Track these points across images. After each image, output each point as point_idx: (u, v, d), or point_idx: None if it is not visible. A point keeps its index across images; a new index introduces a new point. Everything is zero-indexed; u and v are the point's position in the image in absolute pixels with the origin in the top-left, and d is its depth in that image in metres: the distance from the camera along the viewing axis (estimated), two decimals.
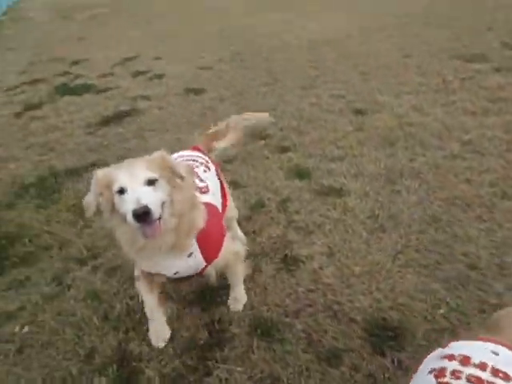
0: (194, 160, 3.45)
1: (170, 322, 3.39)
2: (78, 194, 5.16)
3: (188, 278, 3.30)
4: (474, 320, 3.11)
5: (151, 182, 2.60)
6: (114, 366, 3.11)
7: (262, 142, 5.96)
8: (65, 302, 3.77)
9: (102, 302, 3.70)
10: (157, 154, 2.82)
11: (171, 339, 3.28)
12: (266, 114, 4.26)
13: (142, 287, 3.24)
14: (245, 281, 3.62)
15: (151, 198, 2.54)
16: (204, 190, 3.21)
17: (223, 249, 3.16)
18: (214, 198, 3.30)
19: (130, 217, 2.49)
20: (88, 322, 3.52)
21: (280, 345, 3.13)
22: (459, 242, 3.87)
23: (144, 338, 3.31)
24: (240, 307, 3.50)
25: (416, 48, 9.06)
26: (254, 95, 7.70)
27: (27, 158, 6.45)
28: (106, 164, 3.81)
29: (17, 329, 3.55)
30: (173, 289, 3.73)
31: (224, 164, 5.37)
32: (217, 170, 3.61)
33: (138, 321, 3.46)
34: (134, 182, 2.56)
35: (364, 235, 4.09)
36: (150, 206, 2.48)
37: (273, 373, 2.96)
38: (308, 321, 3.30)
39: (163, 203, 2.64)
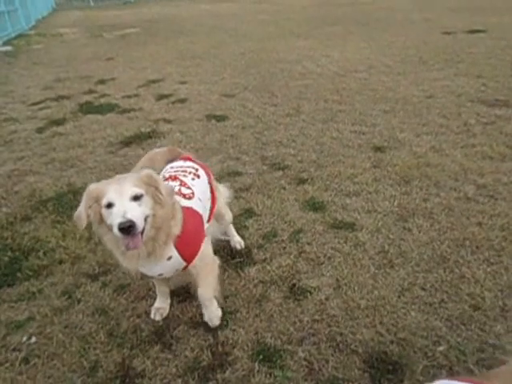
0: (183, 170, 3.77)
1: (175, 340, 3.54)
2: None
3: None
4: (471, 359, 3.18)
5: (137, 198, 2.91)
6: (117, 382, 3.22)
7: (280, 172, 6.10)
8: (73, 315, 3.89)
9: (109, 318, 3.83)
10: (144, 172, 3.10)
11: (175, 358, 3.38)
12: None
13: None
14: (249, 307, 3.81)
15: (136, 212, 2.85)
16: (188, 196, 3.51)
17: (201, 250, 3.46)
18: (197, 203, 3.57)
19: (116, 229, 2.78)
20: (95, 336, 3.64)
21: (281, 371, 3.21)
22: (466, 283, 3.92)
23: (149, 356, 3.42)
24: (217, 322, 3.66)
25: (439, 89, 9.20)
26: (275, 125, 7.85)
27: (47, 172, 6.66)
28: None
29: (24, 339, 3.67)
30: (180, 310, 3.86)
31: (240, 192, 5.57)
32: (208, 176, 3.94)
33: (143, 339, 3.57)
34: (121, 197, 2.86)
35: (372, 270, 4.17)
36: (134, 219, 2.77)
37: None
38: (310, 349, 3.38)
39: (146, 217, 2.94)
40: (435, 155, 6.31)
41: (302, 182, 5.83)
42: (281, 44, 15.24)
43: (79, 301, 4.05)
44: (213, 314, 3.67)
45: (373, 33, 16.44)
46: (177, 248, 3.26)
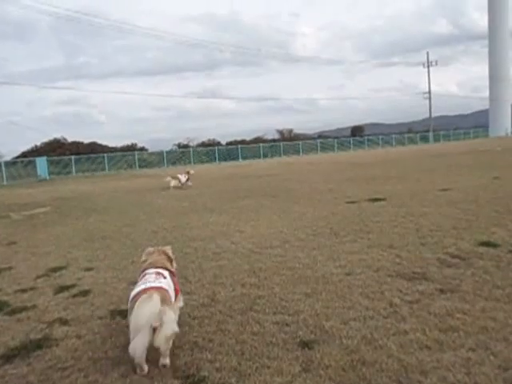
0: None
1: None
2: None
3: None
4: None
5: None
6: None
7: None
8: None
9: None
10: None
11: None
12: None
13: None
14: None
15: None
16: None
17: None
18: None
19: None
20: None
21: None
22: None
23: None
24: None
25: (356, 264, 8.49)
26: (189, 320, 6.47)
27: None
28: None
29: None
30: None
31: None
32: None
33: None
34: None
35: None
36: None
37: None
38: None
39: None
40: (369, 348, 5.25)
41: None
42: (194, 220, 14.63)
43: None
44: None
45: (283, 205, 16.39)
46: None
